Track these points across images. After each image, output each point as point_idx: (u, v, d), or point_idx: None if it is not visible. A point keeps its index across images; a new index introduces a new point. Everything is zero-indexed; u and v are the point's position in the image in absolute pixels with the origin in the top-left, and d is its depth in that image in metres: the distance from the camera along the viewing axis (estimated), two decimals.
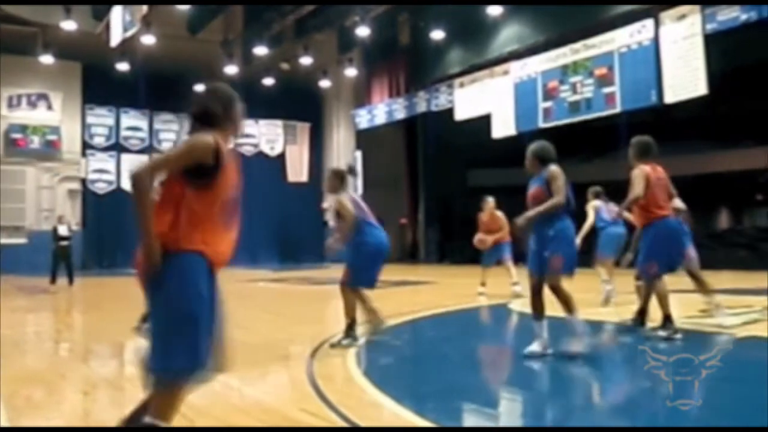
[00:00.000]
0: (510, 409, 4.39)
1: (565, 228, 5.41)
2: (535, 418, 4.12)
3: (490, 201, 11.33)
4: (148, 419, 2.86)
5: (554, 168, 5.45)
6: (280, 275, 17.84)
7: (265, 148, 27.24)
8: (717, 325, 6.59)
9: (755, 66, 21.64)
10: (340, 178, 6.35)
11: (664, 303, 6.10)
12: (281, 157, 27.48)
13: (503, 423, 4.02)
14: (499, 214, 11.18)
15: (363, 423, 3.67)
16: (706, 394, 4.03)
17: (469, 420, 4.06)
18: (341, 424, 3.68)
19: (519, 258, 11.17)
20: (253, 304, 11.10)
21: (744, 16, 14.22)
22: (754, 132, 23.12)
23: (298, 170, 27.62)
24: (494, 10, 19.06)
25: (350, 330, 6.22)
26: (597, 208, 9.48)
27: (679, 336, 5.95)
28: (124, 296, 13.99)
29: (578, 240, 6.76)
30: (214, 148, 2.91)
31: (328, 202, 27.28)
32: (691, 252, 6.86)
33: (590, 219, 9.42)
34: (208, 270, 2.89)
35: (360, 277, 6.21)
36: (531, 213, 5.43)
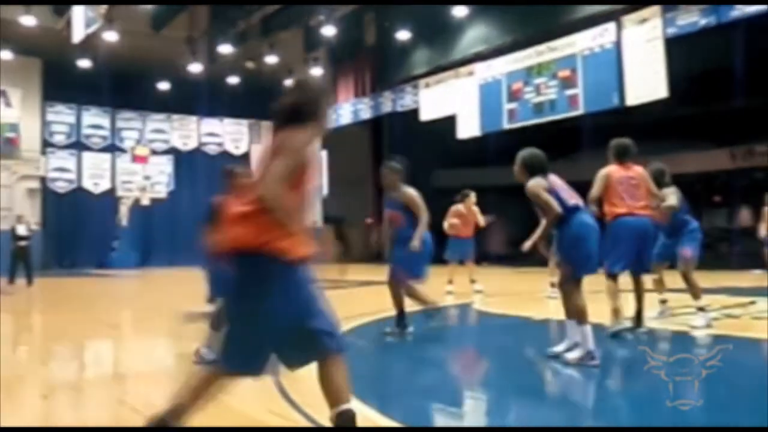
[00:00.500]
0: (474, 408, 4.41)
1: (572, 233, 5.16)
2: (500, 418, 4.14)
3: (472, 195, 11.51)
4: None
5: (530, 185, 5.19)
6: None
7: (230, 147, 27.04)
8: (682, 324, 6.72)
9: (714, 70, 22.10)
10: (399, 173, 6.85)
11: (611, 300, 6.13)
12: (246, 156, 27.24)
13: (469, 423, 4.04)
14: (476, 209, 11.43)
15: (329, 423, 3.66)
16: (674, 393, 4.10)
17: (436, 420, 4.07)
18: (307, 424, 3.67)
19: (482, 257, 11.31)
20: None
21: (703, 21, 14.53)
22: (712, 134, 23.63)
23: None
24: (459, 11, 19.16)
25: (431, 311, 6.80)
26: None
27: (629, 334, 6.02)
28: (85, 296, 13.79)
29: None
30: (309, 146, 2.91)
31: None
32: (686, 252, 6.89)
33: None
34: (295, 271, 2.88)
35: (417, 270, 6.61)
36: (535, 238, 5.43)
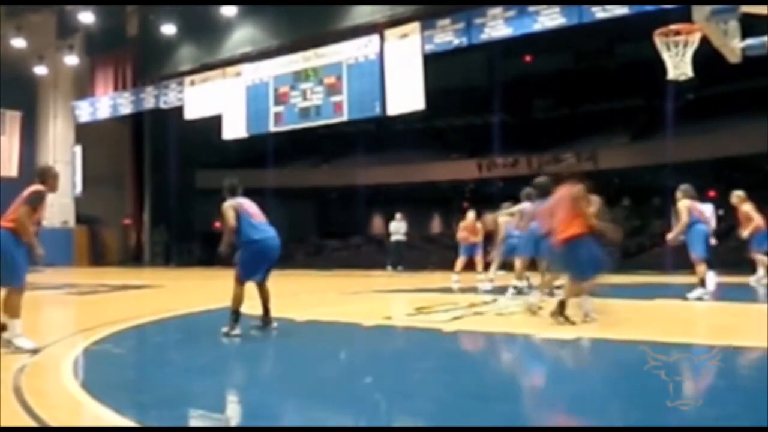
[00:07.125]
0: (236, 412, 4.39)
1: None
2: (256, 419, 4.17)
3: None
4: None
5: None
6: None
7: None
8: (434, 321, 7.24)
9: (467, 87, 24.05)
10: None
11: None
12: None
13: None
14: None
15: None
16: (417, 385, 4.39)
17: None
18: None
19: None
20: None
21: (456, 41, 15.77)
22: (463, 146, 25.68)
23: (6, 164, 24.88)
24: (228, 11, 18.94)
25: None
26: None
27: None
28: None
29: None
30: None
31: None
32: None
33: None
34: None
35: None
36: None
